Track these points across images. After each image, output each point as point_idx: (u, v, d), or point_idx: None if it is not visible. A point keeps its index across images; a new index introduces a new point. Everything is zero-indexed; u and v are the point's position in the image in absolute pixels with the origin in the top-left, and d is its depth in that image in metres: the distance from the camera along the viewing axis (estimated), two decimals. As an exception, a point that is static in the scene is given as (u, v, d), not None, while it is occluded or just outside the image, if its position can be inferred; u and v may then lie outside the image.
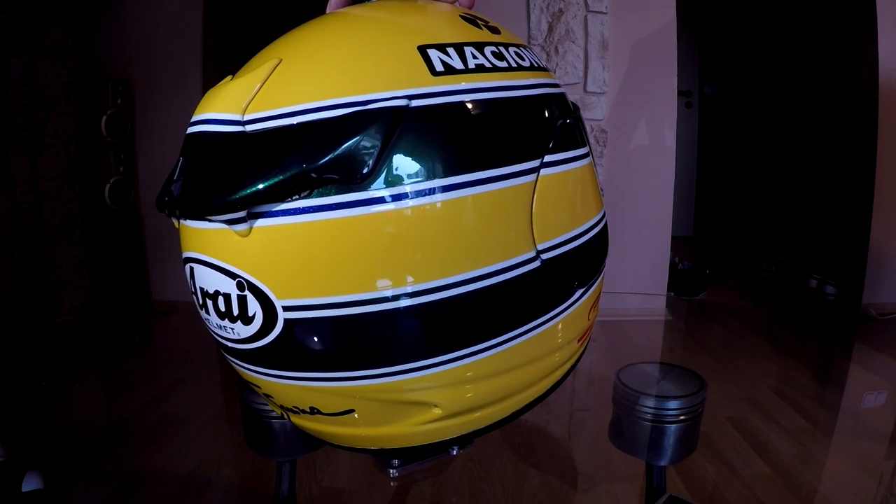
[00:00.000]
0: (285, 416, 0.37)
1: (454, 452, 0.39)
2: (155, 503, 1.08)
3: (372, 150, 0.28)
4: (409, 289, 0.29)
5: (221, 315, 0.32)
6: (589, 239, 0.35)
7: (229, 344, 0.33)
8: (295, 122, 0.29)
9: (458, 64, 0.31)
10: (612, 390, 0.55)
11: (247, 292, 0.30)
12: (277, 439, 0.51)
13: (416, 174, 0.28)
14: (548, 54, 2.11)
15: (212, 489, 1.11)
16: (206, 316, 0.33)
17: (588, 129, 2.13)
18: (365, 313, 0.29)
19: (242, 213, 0.28)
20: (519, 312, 0.32)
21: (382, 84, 0.29)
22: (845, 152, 2.58)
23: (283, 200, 0.28)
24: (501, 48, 0.34)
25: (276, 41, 0.35)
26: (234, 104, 0.29)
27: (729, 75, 3.67)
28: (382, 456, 0.40)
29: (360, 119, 0.28)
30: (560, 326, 0.35)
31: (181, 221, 0.33)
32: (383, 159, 0.28)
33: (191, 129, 0.30)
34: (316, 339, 0.30)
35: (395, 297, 0.29)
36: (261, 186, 0.27)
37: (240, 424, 0.53)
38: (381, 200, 0.28)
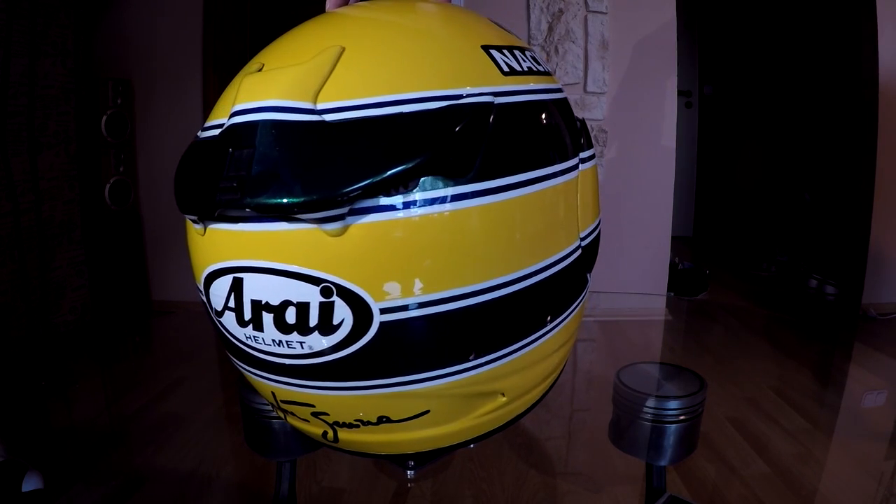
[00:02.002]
0: (329, 434, 0.34)
1: (471, 445, 0.38)
2: (155, 503, 1.08)
3: (474, 144, 0.28)
4: (509, 276, 0.30)
5: (287, 329, 0.29)
6: (599, 230, 0.39)
7: (287, 362, 0.30)
8: (385, 113, 0.27)
9: (516, 65, 0.33)
10: (612, 390, 0.55)
11: (335, 298, 0.28)
12: (277, 439, 0.51)
13: (506, 168, 0.29)
14: (548, 54, 2.10)
15: (212, 489, 1.11)
16: (255, 333, 0.30)
17: (588, 129, 2.13)
18: (468, 306, 0.29)
19: (344, 210, 0.26)
20: (569, 295, 0.35)
21: (466, 79, 0.30)
22: (845, 152, 2.58)
23: (386, 195, 0.27)
24: (533, 53, 0.36)
25: (308, 30, 0.33)
26: (301, 91, 0.27)
27: (729, 75, 3.67)
28: (400, 460, 0.39)
29: (460, 113, 0.28)
30: (581, 309, 0.38)
31: (217, 226, 0.29)
32: (482, 153, 0.28)
33: (247, 118, 0.28)
34: (414, 339, 0.29)
35: (498, 287, 0.30)
36: (372, 180, 0.26)
37: (240, 424, 0.53)
38: (480, 194, 0.28)
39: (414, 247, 0.27)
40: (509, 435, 1.24)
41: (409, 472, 0.40)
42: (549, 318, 0.33)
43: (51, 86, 1.90)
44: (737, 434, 1.32)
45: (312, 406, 0.32)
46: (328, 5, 0.38)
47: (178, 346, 2.09)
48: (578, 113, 0.39)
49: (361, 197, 0.26)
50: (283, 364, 0.30)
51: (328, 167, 0.26)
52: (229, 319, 0.31)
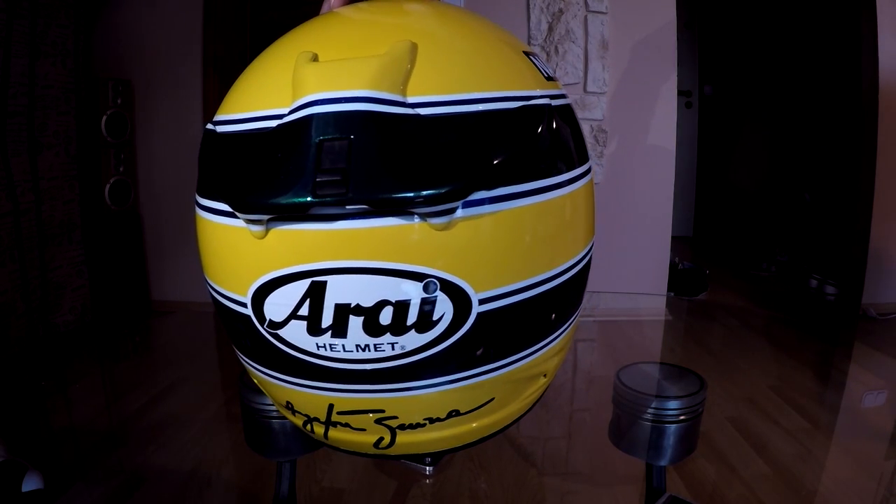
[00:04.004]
0: (385, 440, 0.33)
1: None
2: (155, 503, 1.08)
3: (547, 140, 0.30)
4: (578, 256, 0.33)
5: (379, 331, 0.28)
6: None
7: (369, 367, 0.29)
8: (475, 110, 0.28)
9: (548, 72, 0.35)
10: (612, 390, 0.55)
11: (437, 293, 0.27)
12: (277, 439, 0.51)
13: (567, 164, 0.32)
14: (548, 54, 2.10)
15: (212, 489, 1.11)
16: (333, 341, 0.28)
17: (588, 129, 2.13)
18: (551, 288, 0.31)
19: (458, 203, 0.26)
20: (585, 283, 0.38)
21: (529, 82, 0.31)
22: (845, 152, 2.58)
23: (487, 189, 0.27)
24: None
25: (350, 21, 0.33)
26: (390, 83, 0.27)
27: (729, 75, 3.67)
28: (419, 457, 0.39)
29: (535, 113, 0.30)
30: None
31: (292, 226, 0.27)
32: (553, 150, 0.31)
33: (338, 107, 0.26)
34: (503, 327, 0.30)
35: (571, 267, 0.33)
36: (482, 174, 0.27)
37: (240, 424, 0.53)
38: (564, 185, 0.31)
39: (511, 235, 0.29)
40: (509, 435, 1.23)
41: (427, 468, 0.40)
42: (579, 301, 0.37)
43: (51, 86, 1.90)
44: (737, 434, 1.32)
45: (381, 412, 0.31)
46: (333, 3, 0.37)
47: (178, 346, 2.09)
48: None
49: (473, 190, 0.27)
50: (364, 370, 0.29)
51: (441, 161, 0.26)
52: (295, 330, 0.29)
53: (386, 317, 0.27)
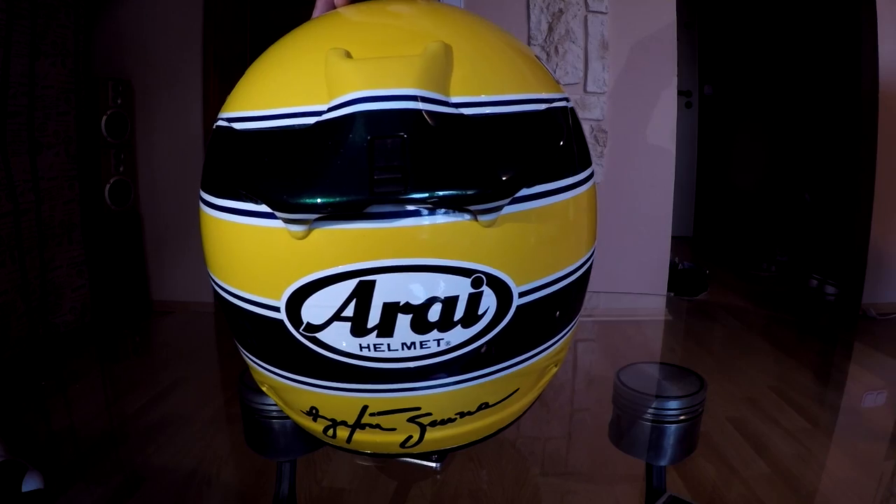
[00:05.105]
0: (413, 438, 0.33)
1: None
2: (155, 503, 1.08)
3: (573, 139, 0.32)
4: (593, 248, 0.35)
5: (426, 327, 0.28)
6: None
7: (412, 365, 0.29)
8: (511, 111, 0.29)
9: (554, 76, 0.36)
10: (612, 390, 0.55)
11: (484, 288, 0.28)
12: (277, 439, 0.51)
13: (582, 163, 0.34)
14: (548, 54, 2.10)
15: (212, 489, 1.11)
16: (378, 340, 0.28)
17: (588, 129, 2.13)
18: (574, 280, 0.33)
19: (507, 201, 0.27)
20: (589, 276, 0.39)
21: (548, 85, 0.33)
22: (845, 152, 2.58)
23: (528, 187, 0.28)
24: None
25: (374, 20, 0.33)
26: (436, 83, 0.27)
27: (729, 75, 3.67)
28: (426, 455, 0.40)
29: (560, 114, 0.32)
30: None
31: (339, 225, 0.26)
32: (574, 147, 0.33)
33: (390, 105, 0.26)
34: (537, 318, 0.32)
35: (590, 257, 0.35)
36: (528, 172, 0.28)
37: (240, 424, 0.53)
38: (581, 183, 0.33)
39: (546, 230, 0.30)
40: (509, 435, 1.23)
41: (436, 464, 0.41)
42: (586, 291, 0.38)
43: (51, 86, 1.90)
44: (737, 434, 1.32)
45: (417, 409, 0.31)
46: (338, 2, 0.36)
47: (178, 346, 2.09)
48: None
49: (522, 186, 0.28)
50: (407, 368, 0.29)
51: (492, 159, 0.27)
52: (337, 332, 0.28)
53: (434, 313, 0.28)
